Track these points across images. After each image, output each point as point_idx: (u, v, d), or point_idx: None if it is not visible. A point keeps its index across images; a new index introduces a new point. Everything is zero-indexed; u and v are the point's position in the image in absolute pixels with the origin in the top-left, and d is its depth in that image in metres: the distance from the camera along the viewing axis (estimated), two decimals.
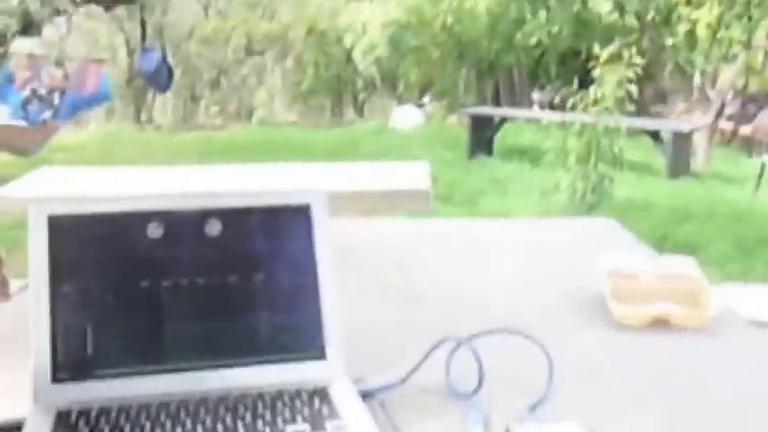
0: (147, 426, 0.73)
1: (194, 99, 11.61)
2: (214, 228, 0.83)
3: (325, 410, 0.76)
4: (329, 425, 0.74)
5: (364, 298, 1.13)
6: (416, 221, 1.72)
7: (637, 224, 1.46)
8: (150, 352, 0.79)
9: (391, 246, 1.42)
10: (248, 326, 0.82)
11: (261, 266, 0.83)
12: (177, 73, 8.32)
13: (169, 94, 10.53)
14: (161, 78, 6.56)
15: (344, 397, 0.79)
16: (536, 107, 9.53)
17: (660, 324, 1.01)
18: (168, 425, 0.73)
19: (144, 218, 0.81)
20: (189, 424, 0.73)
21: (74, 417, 0.74)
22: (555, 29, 8.26)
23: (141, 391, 0.77)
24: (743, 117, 8.15)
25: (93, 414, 0.74)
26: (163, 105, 11.41)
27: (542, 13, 8.32)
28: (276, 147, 7.41)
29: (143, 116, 10.91)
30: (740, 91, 8.01)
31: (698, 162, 6.67)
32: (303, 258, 0.84)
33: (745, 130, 7.89)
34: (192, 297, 0.81)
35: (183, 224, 0.82)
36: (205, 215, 0.82)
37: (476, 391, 0.81)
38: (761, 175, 5.71)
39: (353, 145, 7.64)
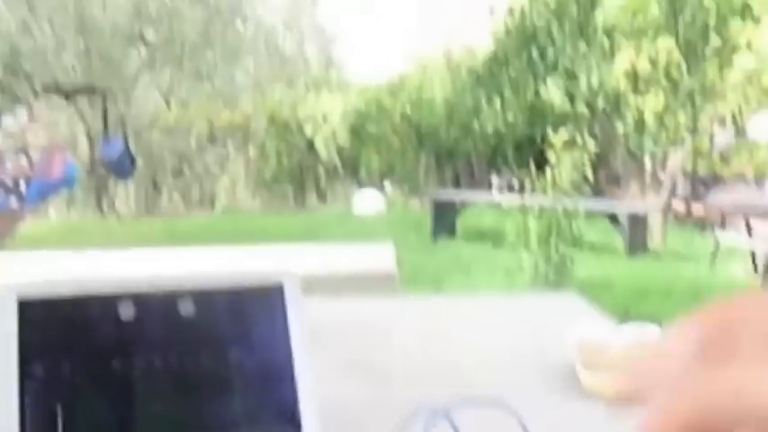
0: None
1: (156, 187, 11.60)
2: (187, 309, 0.83)
3: None
4: None
5: (333, 377, 1.12)
6: (383, 300, 1.73)
7: (599, 301, 1.50)
8: None
9: (358, 325, 1.42)
10: (222, 408, 0.80)
11: (235, 347, 0.82)
12: (139, 162, 8.35)
13: (131, 182, 10.53)
14: (124, 167, 6.58)
15: None
16: (495, 191, 9.77)
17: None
18: None
19: (115, 300, 0.81)
20: None
21: None
22: (510, 117, 8.62)
23: None
24: (694, 197, 8.50)
25: None
26: (125, 194, 11.36)
27: (497, 102, 8.69)
28: (240, 233, 7.40)
29: (104, 205, 10.82)
30: (689, 173, 8.37)
31: (654, 240, 6.86)
32: (277, 338, 0.84)
33: (697, 209, 8.21)
34: (165, 379, 0.80)
35: (156, 305, 0.82)
36: (178, 296, 0.82)
37: None
38: (715, 252, 5.89)
39: (317, 231, 7.68)
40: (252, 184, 11.53)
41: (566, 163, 4.76)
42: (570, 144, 4.88)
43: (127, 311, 0.81)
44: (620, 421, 0.96)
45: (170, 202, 11.43)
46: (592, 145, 4.85)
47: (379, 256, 2.63)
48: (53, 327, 0.79)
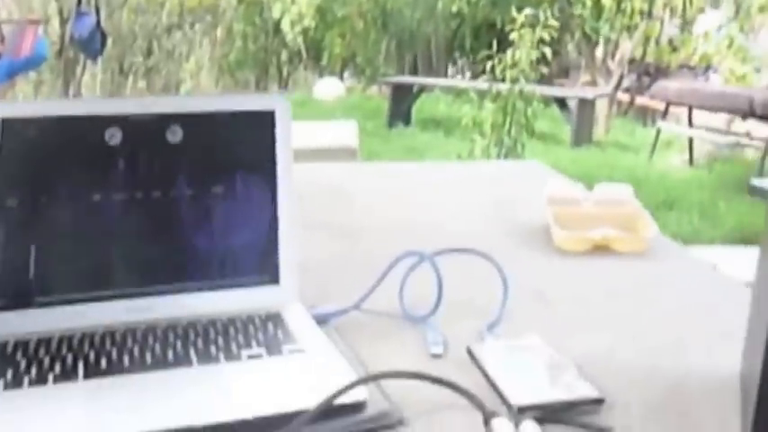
0: (92, 355, 0.68)
1: (123, 72, 11.11)
2: (176, 135, 0.76)
3: (280, 335, 0.73)
4: (285, 348, 0.71)
5: (308, 233, 1.09)
6: (347, 164, 1.69)
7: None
8: (97, 276, 0.73)
9: (326, 187, 1.39)
10: (201, 246, 0.76)
11: (220, 178, 0.77)
12: (108, 43, 7.88)
13: (98, 68, 10.05)
14: (94, 44, 6.16)
15: (299, 322, 0.76)
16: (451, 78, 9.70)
17: (600, 249, 1.04)
18: (114, 353, 0.68)
19: (102, 122, 0.74)
20: (137, 352, 0.69)
21: (10, 348, 0.68)
22: None
23: (85, 319, 0.72)
24: (638, 88, 8.58)
25: (32, 345, 0.69)
26: (91, 79, 10.85)
27: None
28: None
29: (71, 90, 10.35)
30: (637, 62, 8.39)
31: (599, 131, 6.96)
32: (263, 169, 0.79)
33: (641, 100, 8.31)
34: (146, 213, 0.75)
35: (144, 129, 0.75)
36: (167, 120, 0.76)
37: (434, 310, 0.80)
38: (655, 143, 6.02)
39: None
40: (216, 70, 11.16)
41: (527, 40, 4.68)
42: (533, 21, 4.78)
43: (113, 136, 0.74)
44: (591, 275, 0.97)
45: (135, 88, 10.99)
46: (553, 23, 4.77)
47: (342, 132, 2.56)
48: (33, 152, 0.72)
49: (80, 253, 0.73)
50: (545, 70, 5.02)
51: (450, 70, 10.45)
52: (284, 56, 10.91)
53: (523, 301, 0.86)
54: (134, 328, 0.72)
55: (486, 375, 0.68)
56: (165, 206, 0.76)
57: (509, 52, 4.76)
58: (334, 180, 1.45)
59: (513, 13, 4.83)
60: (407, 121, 7.22)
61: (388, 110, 7.24)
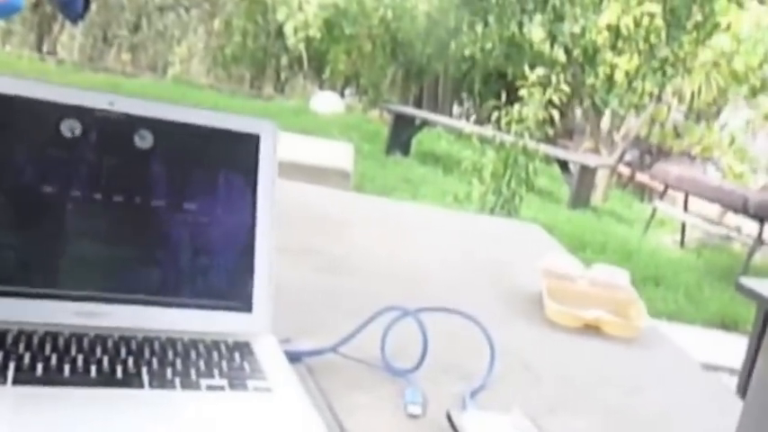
0: (26, 358, 0.59)
1: (106, 41, 10.91)
2: (146, 140, 0.70)
3: (246, 367, 0.67)
4: (251, 384, 0.64)
5: (286, 258, 1.04)
6: (341, 193, 1.64)
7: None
8: (43, 272, 0.65)
9: (319, 213, 1.34)
10: (168, 260, 0.69)
11: (194, 194, 0.71)
12: (93, 7, 7.78)
13: (78, 30, 9.85)
14: (76, 6, 6.06)
15: (269, 355, 0.70)
16: (456, 118, 9.69)
17: (591, 329, 0.99)
18: (54, 360, 0.60)
19: (61, 111, 0.67)
20: (80, 362, 0.61)
21: None
22: (488, 45, 8.42)
23: (25, 316, 0.63)
24: (639, 165, 8.67)
25: None
26: (69, 40, 10.63)
27: (479, 28, 8.47)
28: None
29: (45, 47, 10.12)
30: (642, 140, 8.50)
31: (597, 198, 7.00)
32: (243, 194, 0.73)
33: (642, 176, 8.39)
34: (106, 216, 0.67)
35: (109, 128, 0.68)
36: (137, 122, 0.70)
37: (417, 366, 0.74)
38: (650, 219, 6.08)
39: (273, 119, 7.44)
40: (209, 60, 11.00)
41: (536, 100, 4.71)
42: (544, 82, 4.82)
43: (72, 128, 0.67)
44: (581, 353, 0.92)
45: (118, 60, 10.80)
46: (564, 88, 4.80)
47: (338, 153, 2.52)
48: None
49: (26, 245, 0.65)
50: (550, 131, 5.05)
51: (456, 109, 10.48)
52: (284, 60, 10.79)
53: (509, 370, 0.81)
54: (81, 335, 0.64)
55: None
56: (128, 213, 0.68)
57: (516, 107, 4.79)
58: (328, 207, 1.40)
59: (526, 69, 4.86)
60: (406, 152, 7.21)
61: (387, 137, 7.22)
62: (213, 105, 7.69)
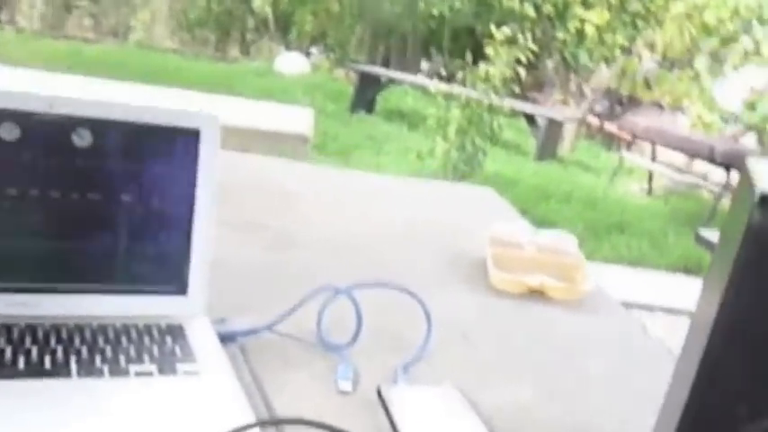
0: None
1: (68, 8, 10.58)
2: (83, 139, 0.69)
3: (177, 351, 0.67)
4: (180, 368, 0.65)
5: (232, 234, 1.03)
6: (296, 164, 1.63)
7: (501, 197, 1.49)
8: None
9: (267, 185, 1.33)
10: (103, 250, 0.70)
11: (131, 187, 0.71)
12: None
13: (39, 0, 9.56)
14: None
15: (201, 338, 0.70)
16: (423, 75, 9.59)
17: (535, 295, 1.01)
18: None
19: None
20: (8, 354, 0.61)
21: None
22: (457, 3, 8.33)
23: None
24: (609, 115, 8.72)
25: None
26: (29, 8, 10.29)
27: None
28: (154, 71, 6.92)
29: (3, 16, 9.80)
30: (612, 92, 8.52)
31: (564, 148, 7.04)
32: (182, 187, 0.73)
33: (610, 127, 8.45)
34: (41, 211, 0.68)
35: (46, 129, 0.68)
36: (77, 123, 0.69)
37: (350, 343, 0.75)
38: (618, 168, 6.14)
39: (236, 82, 7.32)
40: (173, 24, 10.72)
41: (502, 59, 4.67)
42: (511, 41, 4.78)
43: (10, 132, 0.67)
44: (523, 320, 0.94)
45: (79, 27, 10.48)
46: (532, 45, 4.77)
47: (297, 118, 2.50)
48: None
49: None
50: (516, 89, 5.03)
51: (425, 65, 10.38)
52: (250, 23, 10.59)
53: (448, 341, 0.82)
54: (10, 325, 0.65)
55: (391, 421, 0.64)
56: (63, 207, 0.68)
57: (482, 66, 4.75)
58: (282, 179, 1.39)
59: (492, 28, 4.81)
60: (370, 110, 7.15)
61: (352, 95, 7.15)
62: (176, 69, 7.53)
